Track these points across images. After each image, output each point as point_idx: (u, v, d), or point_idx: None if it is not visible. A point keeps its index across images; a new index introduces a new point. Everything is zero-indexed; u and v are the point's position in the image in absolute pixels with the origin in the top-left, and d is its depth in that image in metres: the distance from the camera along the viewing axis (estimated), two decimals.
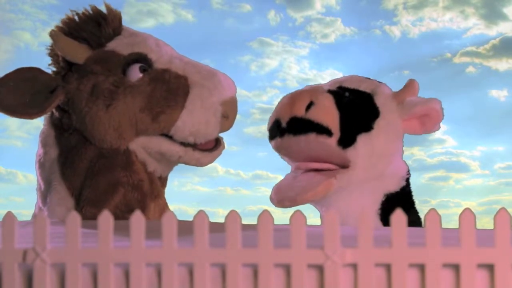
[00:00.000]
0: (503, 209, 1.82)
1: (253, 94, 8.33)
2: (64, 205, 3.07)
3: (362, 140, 3.16)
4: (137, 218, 1.86)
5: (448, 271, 1.81)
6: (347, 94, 3.31)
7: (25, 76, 3.08)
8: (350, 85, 3.39)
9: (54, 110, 3.17)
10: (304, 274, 1.80)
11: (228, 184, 7.94)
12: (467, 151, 8.13)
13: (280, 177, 3.43)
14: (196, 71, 3.16)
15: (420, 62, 8.40)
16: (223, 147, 3.29)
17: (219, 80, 3.15)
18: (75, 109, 3.10)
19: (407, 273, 1.80)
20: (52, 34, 3.13)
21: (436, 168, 8.01)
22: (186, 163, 3.26)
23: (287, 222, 1.85)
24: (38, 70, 3.13)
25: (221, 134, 3.29)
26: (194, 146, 3.16)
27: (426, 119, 3.29)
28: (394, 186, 3.33)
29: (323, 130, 3.10)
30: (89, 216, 2.88)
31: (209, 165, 3.32)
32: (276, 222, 1.85)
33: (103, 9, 3.21)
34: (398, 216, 1.82)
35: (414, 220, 3.18)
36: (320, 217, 3.39)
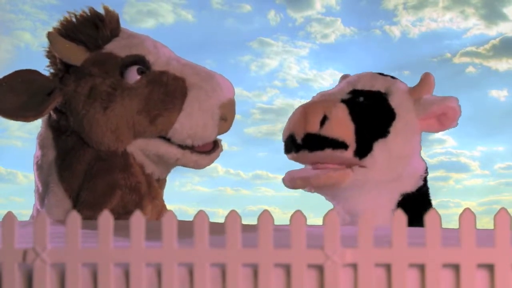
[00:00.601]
0: (503, 209, 1.82)
1: (253, 94, 8.34)
2: (61, 207, 3.07)
3: (379, 146, 3.14)
4: (137, 218, 1.86)
5: (448, 271, 1.81)
6: (361, 99, 3.26)
7: (22, 78, 3.07)
8: (363, 87, 3.34)
9: (51, 112, 3.16)
10: (304, 274, 1.80)
11: (228, 184, 7.95)
12: (467, 151, 8.14)
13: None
14: (194, 73, 3.15)
15: (420, 62, 8.40)
16: (221, 150, 3.29)
17: (217, 83, 3.14)
18: (72, 111, 3.10)
19: (407, 273, 1.80)
20: (49, 36, 3.12)
21: (436, 168, 8.01)
22: (184, 166, 3.26)
23: (287, 222, 1.85)
24: (35, 72, 3.12)
25: (220, 136, 3.28)
26: (192, 148, 3.15)
27: (444, 118, 3.27)
28: (411, 186, 3.30)
29: (339, 145, 3.08)
30: (86, 218, 2.87)
31: (209, 165, 3.31)
32: (276, 222, 1.86)
33: (101, 10, 3.20)
34: (398, 216, 1.82)
35: None
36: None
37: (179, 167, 3.36)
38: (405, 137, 3.22)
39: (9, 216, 1.90)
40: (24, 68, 3.12)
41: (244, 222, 1.87)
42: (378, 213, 2.93)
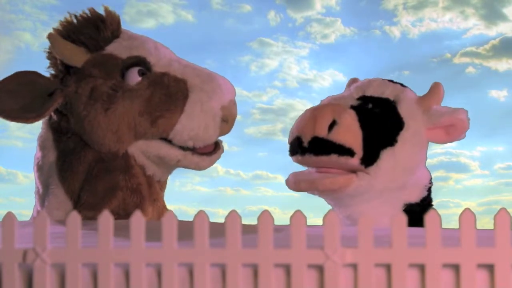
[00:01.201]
0: (503, 209, 1.82)
1: (253, 95, 8.34)
2: (62, 208, 3.07)
3: (386, 155, 3.13)
4: (137, 218, 1.86)
5: (448, 271, 1.81)
6: (370, 105, 3.25)
7: (23, 80, 3.06)
8: (373, 93, 3.32)
9: (52, 113, 3.16)
10: (304, 274, 1.80)
11: (228, 184, 7.95)
12: (467, 151, 8.14)
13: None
14: (195, 75, 3.15)
15: (420, 63, 8.40)
16: (222, 151, 3.28)
17: (219, 84, 3.14)
18: (73, 112, 3.10)
19: (407, 273, 1.80)
20: (50, 37, 3.12)
21: (436, 168, 8.00)
22: (185, 167, 3.25)
23: (287, 222, 1.85)
24: (36, 74, 3.11)
25: (220, 137, 3.28)
26: (193, 150, 3.15)
27: (452, 129, 3.25)
28: (415, 196, 3.28)
29: (345, 152, 3.06)
30: (87, 219, 2.87)
31: None
32: (276, 222, 1.86)
33: (102, 11, 3.19)
34: (398, 216, 1.82)
35: None
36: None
37: (180, 167, 3.35)
38: (412, 147, 3.21)
39: (9, 216, 1.90)
40: (25, 68, 3.12)
41: (244, 222, 1.87)
42: (380, 222, 2.92)
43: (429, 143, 3.36)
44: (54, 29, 3.17)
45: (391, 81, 3.44)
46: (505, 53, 8.21)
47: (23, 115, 3.03)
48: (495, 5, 8.41)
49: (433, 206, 3.40)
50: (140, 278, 1.83)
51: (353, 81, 3.58)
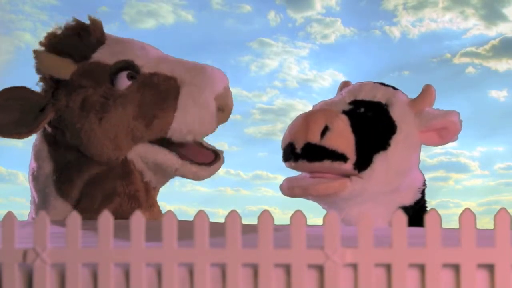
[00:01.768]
0: (503, 209, 1.82)
1: (253, 95, 8.34)
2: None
3: (379, 159, 3.13)
4: (137, 218, 1.86)
5: (448, 271, 1.81)
6: (362, 110, 3.25)
7: (14, 96, 3.04)
8: (365, 97, 3.32)
9: (46, 126, 3.15)
10: (304, 274, 1.80)
11: (228, 184, 7.95)
12: (466, 151, 8.14)
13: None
14: (184, 70, 3.13)
15: (420, 63, 8.41)
16: (222, 162, 3.26)
17: (209, 75, 3.11)
18: (67, 126, 3.08)
19: (407, 273, 1.80)
20: (35, 54, 3.10)
21: (436, 168, 8.02)
22: (182, 176, 3.24)
23: (287, 222, 1.85)
24: (25, 89, 3.08)
25: (219, 129, 3.26)
26: (191, 160, 3.14)
27: (444, 132, 3.26)
28: (408, 199, 3.29)
29: (338, 157, 3.06)
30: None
31: None
32: (276, 222, 1.86)
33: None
34: (398, 216, 1.82)
35: None
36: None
37: (178, 177, 3.33)
38: (405, 150, 3.21)
39: (9, 216, 1.90)
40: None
41: (244, 222, 1.87)
42: (374, 224, 2.92)
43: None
44: (40, 44, 3.16)
45: (383, 84, 3.44)
46: (505, 53, 8.22)
47: (15, 130, 3.01)
48: (495, 5, 8.41)
49: (427, 209, 3.41)
50: (140, 278, 1.83)
51: (345, 84, 3.58)
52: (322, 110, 3.26)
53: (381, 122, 3.21)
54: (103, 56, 3.12)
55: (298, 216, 1.83)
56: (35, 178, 3.20)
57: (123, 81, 3.07)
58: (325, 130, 3.07)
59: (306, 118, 3.15)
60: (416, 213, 3.17)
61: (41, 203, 3.16)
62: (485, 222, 5.40)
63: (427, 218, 1.82)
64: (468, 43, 8.42)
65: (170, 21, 8.16)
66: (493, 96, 8.31)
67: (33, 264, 1.85)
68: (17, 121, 3.00)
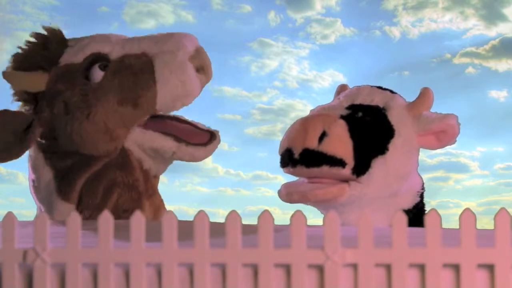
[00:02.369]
0: (503, 209, 1.82)
1: (253, 95, 8.35)
2: None
3: (377, 163, 3.12)
4: (137, 218, 1.86)
5: (448, 271, 1.81)
6: (360, 114, 3.24)
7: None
8: (362, 101, 3.31)
9: (39, 138, 3.17)
10: (304, 274, 1.80)
11: (228, 184, 7.95)
12: (466, 151, 8.15)
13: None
14: (152, 43, 3.14)
15: (420, 63, 8.42)
16: (219, 141, 3.25)
17: (177, 39, 3.11)
18: (59, 133, 3.10)
19: (407, 273, 1.80)
20: (4, 76, 3.14)
21: (436, 168, 8.02)
22: (180, 159, 3.24)
23: (287, 222, 1.85)
24: (7, 112, 3.11)
25: (216, 128, 3.26)
26: (187, 142, 3.14)
27: (442, 135, 3.25)
28: (407, 203, 3.29)
29: (337, 162, 3.06)
30: (87, 219, 2.88)
31: (209, 166, 3.32)
32: (276, 222, 1.86)
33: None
34: (398, 216, 1.82)
35: None
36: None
37: (181, 166, 3.35)
38: (403, 154, 3.21)
39: (9, 216, 1.90)
40: None
41: (244, 222, 1.87)
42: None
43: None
44: (8, 66, 3.19)
45: (380, 87, 3.43)
46: (505, 54, 8.23)
47: (6, 155, 3.05)
48: (495, 6, 8.42)
49: (426, 212, 3.40)
50: (140, 278, 1.83)
51: (342, 88, 3.57)
52: (319, 115, 3.25)
53: (379, 126, 3.21)
54: (70, 57, 3.16)
55: (298, 216, 1.83)
56: (37, 188, 3.22)
57: (97, 73, 3.10)
58: (323, 136, 3.07)
59: (304, 124, 3.14)
60: (415, 216, 3.16)
61: (47, 211, 3.17)
62: (485, 222, 5.40)
63: (427, 218, 1.82)
64: (468, 43, 8.43)
65: (170, 21, 8.17)
66: (493, 96, 8.33)
67: (33, 264, 1.85)
68: (6, 144, 3.04)
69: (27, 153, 3.26)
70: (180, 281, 1.83)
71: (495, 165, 8.20)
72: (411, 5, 8.44)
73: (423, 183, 3.43)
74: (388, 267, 1.81)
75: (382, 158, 3.14)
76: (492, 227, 1.82)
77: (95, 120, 3.04)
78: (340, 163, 3.06)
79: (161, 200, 3.32)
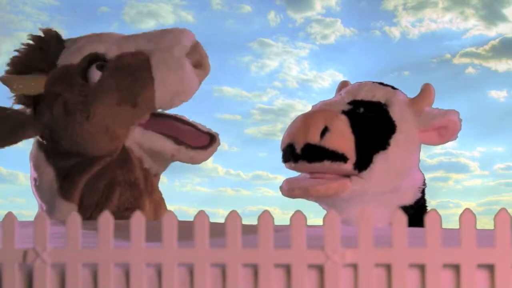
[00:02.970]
0: (503, 209, 1.82)
1: (253, 95, 8.35)
2: None
3: (379, 159, 3.12)
4: (137, 218, 1.86)
5: (448, 271, 1.81)
6: (361, 110, 3.24)
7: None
8: (364, 97, 3.31)
9: (40, 138, 3.18)
10: (304, 274, 1.80)
11: (229, 184, 7.95)
12: (466, 151, 8.15)
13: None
14: (147, 40, 3.14)
15: (419, 63, 8.42)
16: (218, 144, 3.26)
17: (173, 36, 3.11)
18: (60, 135, 3.10)
19: (407, 273, 1.80)
20: (3, 80, 3.15)
21: (436, 168, 8.02)
22: (180, 161, 3.24)
23: (287, 222, 1.85)
24: (8, 110, 3.14)
25: (216, 128, 3.27)
26: (187, 145, 3.14)
27: (444, 131, 3.25)
28: (409, 199, 3.29)
29: (338, 157, 3.06)
30: (88, 219, 2.89)
31: (209, 166, 3.33)
32: (276, 222, 1.86)
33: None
34: (398, 216, 1.82)
35: None
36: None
37: (180, 167, 3.35)
38: (405, 150, 3.21)
39: (9, 216, 1.90)
40: None
41: (244, 222, 1.87)
42: (375, 225, 2.92)
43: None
44: (6, 70, 3.20)
45: (382, 83, 3.43)
46: (505, 54, 8.23)
47: None
48: (494, 6, 8.42)
49: (427, 208, 3.41)
50: (140, 278, 1.83)
51: (343, 84, 3.58)
52: (321, 110, 3.25)
53: (380, 122, 3.21)
54: (67, 58, 3.16)
55: (298, 216, 1.83)
56: (38, 187, 3.22)
57: (95, 74, 3.10)
58: (324, 131, 3.07)
59: (306, 119, 3.14)
60: (417, 212, 3.17)
61: (48, 210, 3.17)
62: (485, 222, 5.40)
63: (427, 218, 1.82)
64: (468, 43, 8.43)
65: (170, 22, 8.17)
66: (492, 96, 8.33)
67: (33, 264, 1.85)
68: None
69: (28, 152, 3.26)
70: (180, 281, 1.83)
71: (495, 165, 8.20)
72: (411, 5, 8.45)
73: (425, 179, 3.43)
74: (388, 267, 1.81)
75: (384, 153, 3.15)
76: (492, 227, 1.82)
77: (95, 121, 3.04)
78: (342, 158, 3.07)
79: (161, 197, 3.33)
